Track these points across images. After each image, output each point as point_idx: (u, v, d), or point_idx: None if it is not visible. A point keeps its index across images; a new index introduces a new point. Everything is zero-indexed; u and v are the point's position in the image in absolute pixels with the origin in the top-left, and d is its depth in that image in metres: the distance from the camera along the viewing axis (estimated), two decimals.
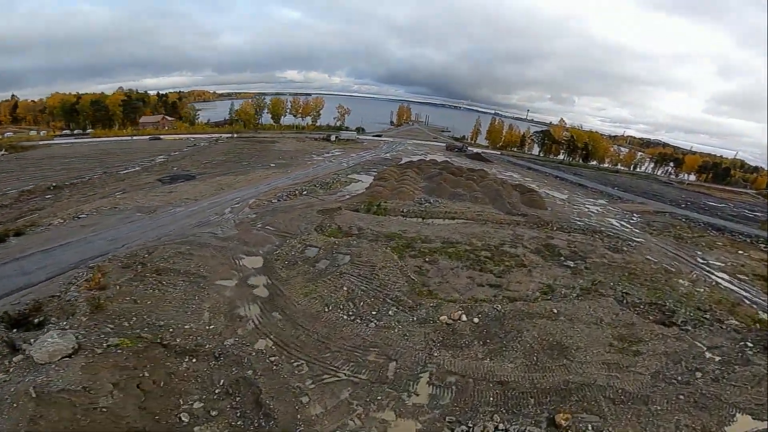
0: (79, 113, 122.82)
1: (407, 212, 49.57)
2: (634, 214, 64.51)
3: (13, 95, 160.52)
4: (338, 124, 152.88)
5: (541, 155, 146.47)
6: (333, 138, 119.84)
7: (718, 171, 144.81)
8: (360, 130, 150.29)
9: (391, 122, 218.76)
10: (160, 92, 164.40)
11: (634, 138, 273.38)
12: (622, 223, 58.52)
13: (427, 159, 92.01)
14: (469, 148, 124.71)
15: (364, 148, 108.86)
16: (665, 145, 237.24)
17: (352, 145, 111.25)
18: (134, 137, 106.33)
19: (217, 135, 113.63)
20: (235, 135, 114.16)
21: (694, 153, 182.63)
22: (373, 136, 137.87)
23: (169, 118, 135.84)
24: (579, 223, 53.78)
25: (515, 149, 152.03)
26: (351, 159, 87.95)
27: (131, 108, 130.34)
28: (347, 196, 55.28)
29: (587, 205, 68.68)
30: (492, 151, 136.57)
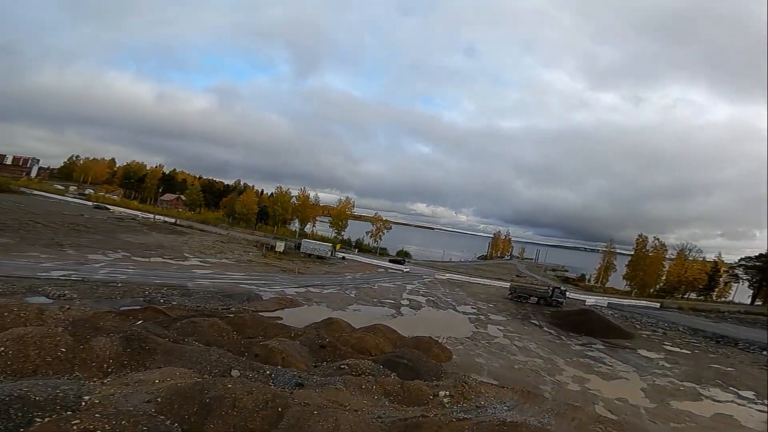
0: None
1: None
2: None
3: (112, 158, 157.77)
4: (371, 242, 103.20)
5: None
6: (278, 247, 69.73)
7: None
8: (404, 255, 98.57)
9: (484, 255, 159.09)
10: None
11: None
12: None
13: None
14: (565, 293, 56.35)
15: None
16: None
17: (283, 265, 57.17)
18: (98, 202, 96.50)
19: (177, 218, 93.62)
20: (177, 221, 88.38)
21: None
22: (390, 260, 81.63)
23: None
24: None
25: (692, 294, 74.88)
26: None
27: (168, 185, 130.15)
28: None
29: None
30: (636, 301, 64.60)
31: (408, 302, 46.34)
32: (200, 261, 51.42)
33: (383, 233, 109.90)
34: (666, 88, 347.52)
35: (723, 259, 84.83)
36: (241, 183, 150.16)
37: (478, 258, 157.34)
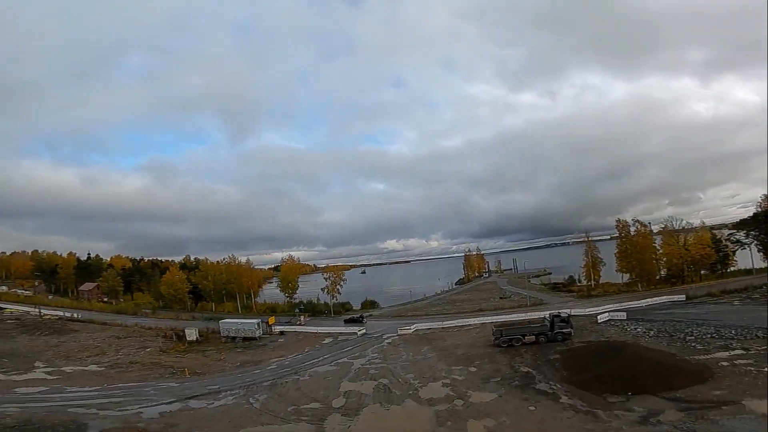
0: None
1: None
2: None
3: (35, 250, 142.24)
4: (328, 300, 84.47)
5: None
6: (189, 335, 55.59)
7: None
8: (369, 307, 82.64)
9: (461, 279, 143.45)
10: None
11: None
12: None
13: None
14: (569, 320, 39.96)
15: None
16: None
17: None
18: None
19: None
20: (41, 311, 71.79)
21: None
22: (345, 321, 62.85)
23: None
24: None
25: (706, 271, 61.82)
26: None
27: (86, 272, 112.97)
28: None
29: None
30: (654, 299, 49.91)
31: (345, 399, 29.04)
32: (48, 372, 41.58)
33: (340, 285, 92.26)
34: (570, 79, 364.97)
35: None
36: (192, 258, 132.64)
37: (456, 284, 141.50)
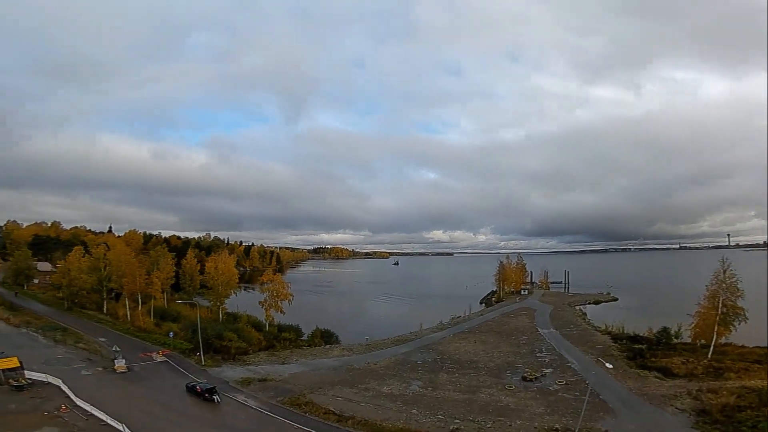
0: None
1: None
2: None
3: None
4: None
5: None
6: None
7: None
8: (324, 341, 54.17)
9: (488, 297, 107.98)
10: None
11: None
12: None
13: None
14: None
15: None
16: None
17: None
18: None
19: None
20: None
21: None
22: (188, 389, 30.75)
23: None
24: None
25: None
26: None
27: (39, 248, 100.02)
28: None
29: None
30: None
31: None
32: None
33: (288, 301, 61.88)
34: (660, 71, 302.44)
35: None
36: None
37: (482, 302, 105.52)
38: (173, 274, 69.89)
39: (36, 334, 43.09)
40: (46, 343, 40.86)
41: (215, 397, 29.51)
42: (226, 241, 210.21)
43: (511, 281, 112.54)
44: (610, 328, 55.93)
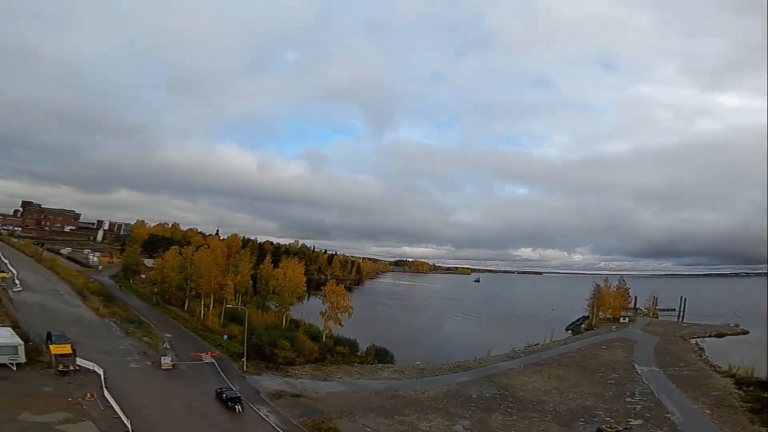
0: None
1: None
2: None
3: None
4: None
5: None
6: None
7: None
8: (378, 359, 51.30)
9: (576, 323, 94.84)
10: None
11: None
12: None
13: None
14: None
15: None
16: None
17: None
18: None
19: None
20: None
21: None
22: (217, 394, 28.93)
23: None
24: None
25: None
26: None
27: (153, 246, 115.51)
28: None
29: None
30: None
31: None
32: None
33: (348, 314, 60.25)
34: None
35: None
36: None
37: (569, 327, 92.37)
38: (249, 277, 72.94)
39: (114, 325, 46.98)
40: (118, 334, 44.16)
41: (237, 407, 28.02)
42: (312, 249, 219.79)
43: (608, 306, 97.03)
44: (734, 369, 43.32)
